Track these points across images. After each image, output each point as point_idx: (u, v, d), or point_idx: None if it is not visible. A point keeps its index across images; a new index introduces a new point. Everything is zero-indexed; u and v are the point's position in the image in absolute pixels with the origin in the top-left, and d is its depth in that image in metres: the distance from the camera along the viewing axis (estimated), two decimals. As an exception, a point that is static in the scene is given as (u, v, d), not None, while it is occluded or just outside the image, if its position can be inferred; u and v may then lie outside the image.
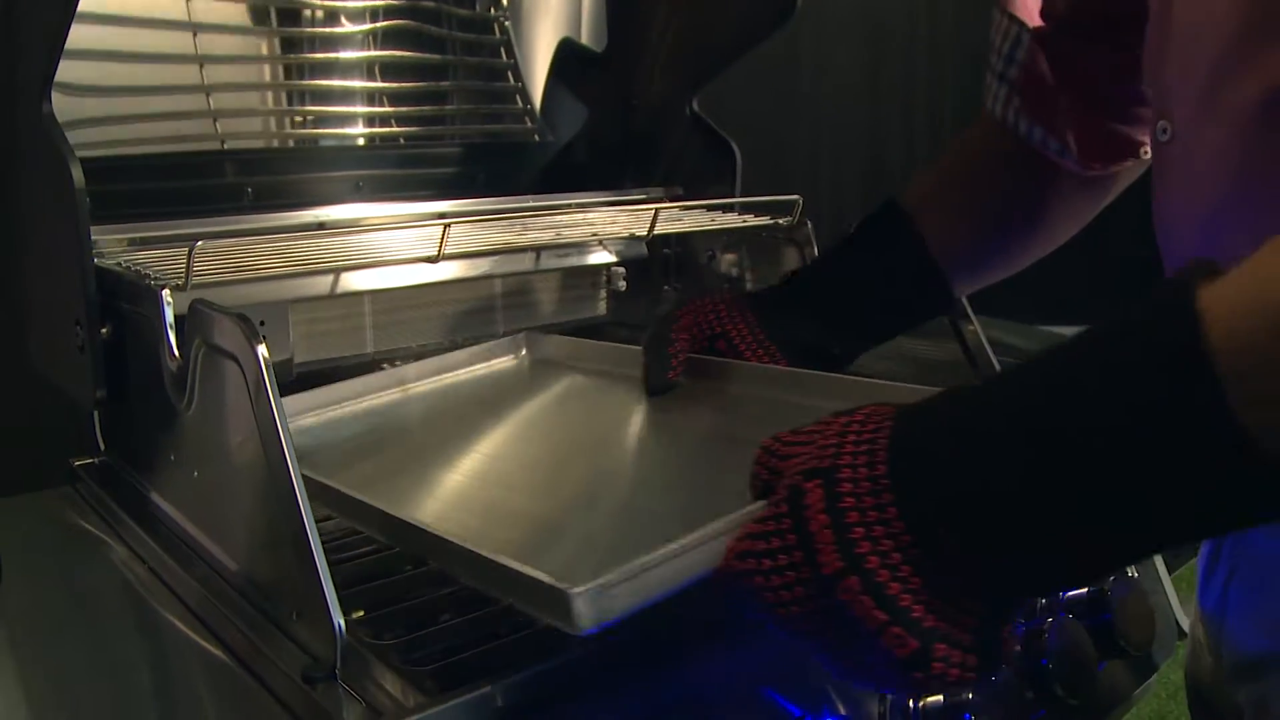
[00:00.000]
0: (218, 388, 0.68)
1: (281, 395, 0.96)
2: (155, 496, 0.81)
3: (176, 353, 0.73)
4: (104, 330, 0.82)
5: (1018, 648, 0.52)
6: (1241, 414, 0.37)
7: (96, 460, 0.92)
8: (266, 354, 0.62)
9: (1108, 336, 0.43)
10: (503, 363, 1.07)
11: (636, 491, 0.74)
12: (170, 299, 0.74)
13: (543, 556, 0.60)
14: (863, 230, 0.87)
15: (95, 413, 0.89)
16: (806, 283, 0.88)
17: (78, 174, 0.79)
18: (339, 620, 0.58)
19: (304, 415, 0.91)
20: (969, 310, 1.06)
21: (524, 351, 1.09)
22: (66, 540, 0.84)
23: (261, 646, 0.62)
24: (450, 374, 1.03)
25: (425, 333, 1.15)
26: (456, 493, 0.74)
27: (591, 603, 0.48)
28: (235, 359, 0.64)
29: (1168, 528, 0.43)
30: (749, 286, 1.38)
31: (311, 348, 1.06)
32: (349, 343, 1.09)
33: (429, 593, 0.68)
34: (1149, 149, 0.79)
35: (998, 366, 1.03)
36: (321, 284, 1.01)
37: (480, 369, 1.05)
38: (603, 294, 1.31)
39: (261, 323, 1.00)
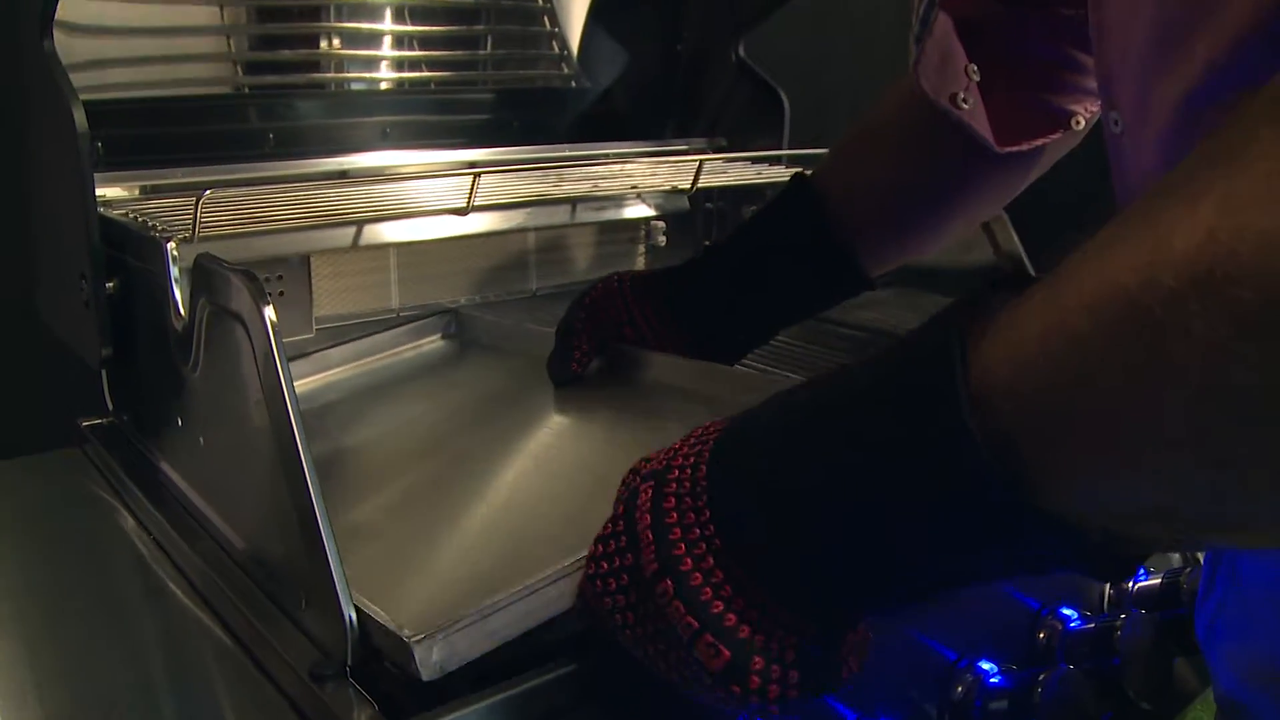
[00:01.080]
0: (223, 350, 0.62)
1: (304, 352, 0.95)
2: (163, 463, 0.76)
3: (182, 310, 0.68)
4: (110, 285, 0.77)
5: (856, 670, 0.48)
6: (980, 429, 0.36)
7: (105, 421, 0.87)
8: (274, 317, 0.56)
9: (897, 352, 0.41)
10: (429, 343, 1.01)
11: (527, 504, 0.68)
12: (176, 252, 0.68)
13: (405, 587, 0.58)
14: (768, 209, 0.81)
15: (103, 371, 0.84)
16: (708, 265, 0.82)
17: (80, 117, 0.73)
18: (350, 612, 0.52)
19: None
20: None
21: (453, 330, 1.03)
22: (68, 507, 0.79)
23: (267, 635, 0.57)
24: (371, 359, 0.96)
25: (454, 288, 1.10)
26: (351, 501, 0.69)
27: (435, 650, 0.48)
28: (241, 320, 0.58)
29: (925, 560, 0.41)
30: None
31: (334, 303, 1.01)
32: (373, 298, 1.04)
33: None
34: (1082, 120, 0.71)
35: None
36: (344, 236, 0.95)
37: (406, 350, 0.99)
38: (641, 249, 1.25)
39: (280, 276, 0.94)
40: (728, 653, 0.43)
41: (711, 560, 0.44)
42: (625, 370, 0.83)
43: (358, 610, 0.52)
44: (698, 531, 0.44)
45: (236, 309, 0.59)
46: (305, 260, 0.95)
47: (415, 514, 0.68)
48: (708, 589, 0.44)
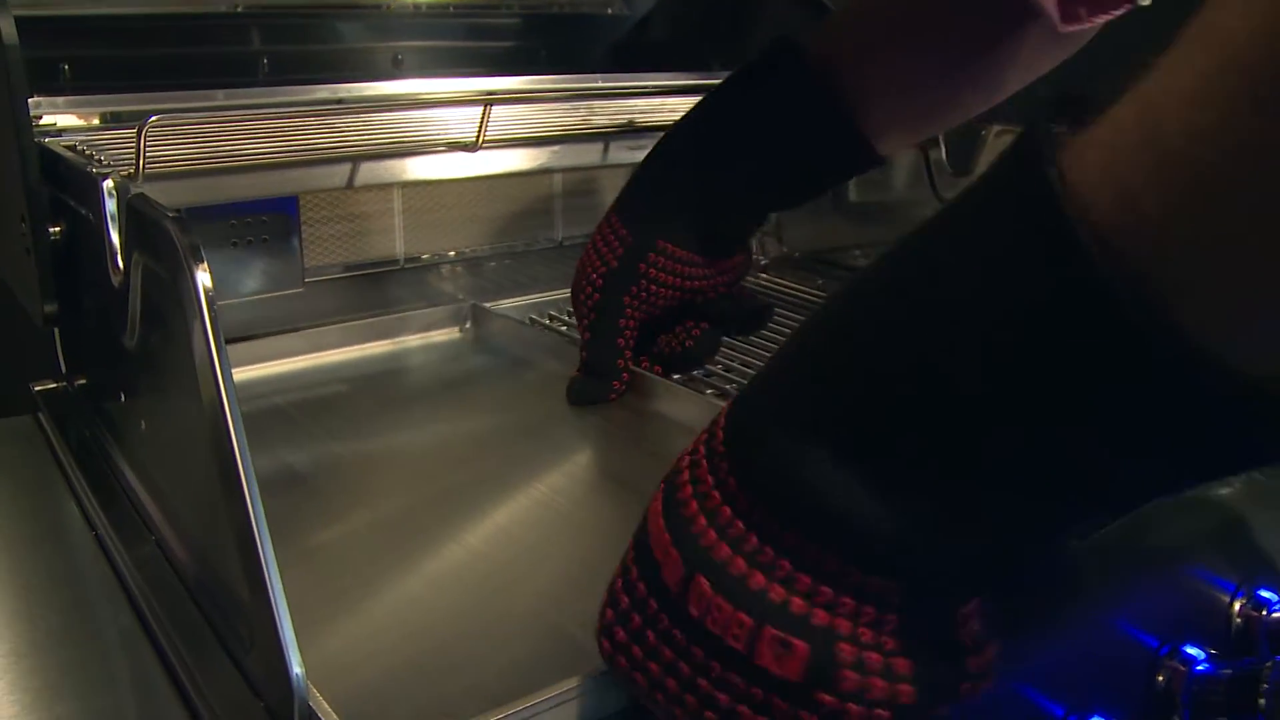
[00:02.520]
0: (158, 319, 0.50)
1: (295, 327, 0.84)
2: (109, 444, 0.65)
3: (121, 264, 0.56)
4: (55, 230, 0.65)
5: (990, 662, 0.34)
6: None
7: (58, 386, 0.76)
8: (208, 282, 0.44)
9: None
10: (441, 337, 0.92)
11: (520, 566, 0.58)
12: (113, 190, 0.56)
13: (363, 652, 0.49)
14: (749, 73, 0.69)
15: (55, 330, 0.73)
16: (688, 147, 0.72)
17: (6, 26, 0.61)
18: (297, 667, 0.40)
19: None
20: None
21: (468, 325, 0.93)
22: (8, 484, 0.68)
23: (200, 681, 0.46)
24: (375, 343, 0.88)
25: (468, 236, 0.97)
26: (311, 526, 0.60)
27: None
28: (173, 282, 0.46)
29: (1049, 471, 0.30)
30: (851, 196, 1.18)
31: (327, 250, 0.88)
32: (374, 246, 0.91)
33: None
34: None
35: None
36: (338, 174, 0.82)
37: (413, 341, 0.90)
38: (680, 195, 1.12)
39: (264, 220, 0.82)
40: (802, 645, 0.32)
41: (755, 539, 0.33)
42: (658, 404, 0.75)
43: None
44: (729, 511, 0.34)
45: (169, 267, 0.47)
46: (293, 202, 0.83)
47: (388, 560, 0.57)
48: (757, 574, 0.33)
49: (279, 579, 0.41)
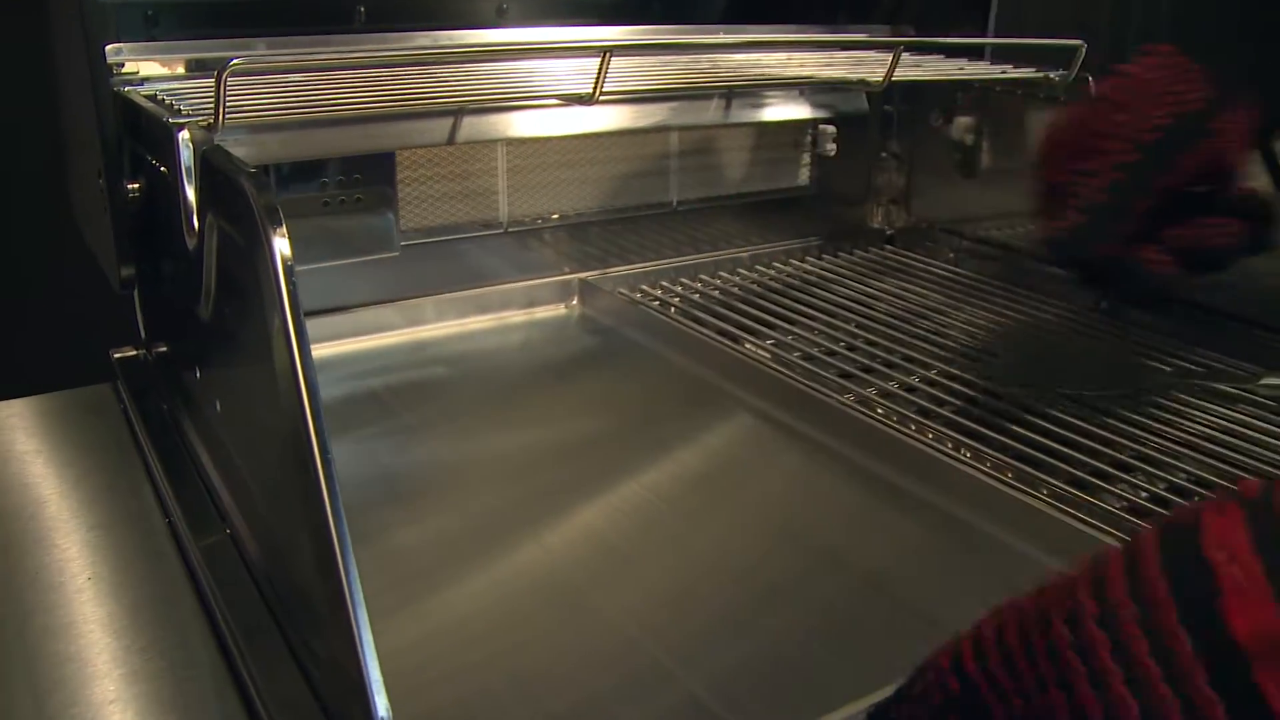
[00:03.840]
0: (233, 287, 0.44)
1: (390, 298, 0.78)
2: (186, 421, 0.59)
3: (196, 225, 0.49)
4: (133, 187, 0.60)
5: None
6: None
7: (138, 353, 0.70)
8: (286, 249, 0.37)
9: None
10: (546, 313, 0.87)
11: (629, 584, 0.53)
12: (189, 141, 0.49)
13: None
14: None
15: (136, 295, 0.67)
16: None
17: (81, -39, 0.55)
18: (383, 708, 0.34)
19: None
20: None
21: (575, 302, 0.88)
22: (80, 460, 0.62)
23: (263, 691, 0.39)
24: (475, 318, 0.83)
25: (576, 199, 0.90)
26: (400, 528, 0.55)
27: None
28: (249, 247, 0.39)
29: None
30: (984, 162, 1.08)
31: (425, 212, 0.82)
32: (475, 208, 0.84)
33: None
34: None
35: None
36: (439, 129, 0.75)
37: (516, 318, 0.85)
38: (806, 159, 1.03)
39: (357, 178, 0.75)
40: None
41: None
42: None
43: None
44: None
45: (244, 230, 0.40)
46: (389, 160, 0.76)
47: (469, 569, 0.53)
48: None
49: (363, 604, 0.34)
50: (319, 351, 0.76)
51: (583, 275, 0.89)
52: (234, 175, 0.40)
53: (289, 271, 0.36)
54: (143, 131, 0.57)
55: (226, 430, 0.50)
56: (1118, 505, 0.59)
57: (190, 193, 0.49)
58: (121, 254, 0.60)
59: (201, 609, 0.48)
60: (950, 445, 0.65)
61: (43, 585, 0.50)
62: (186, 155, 0.49)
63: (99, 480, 0.59)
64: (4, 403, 0.68)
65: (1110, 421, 0.69)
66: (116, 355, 0.70)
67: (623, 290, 0.90)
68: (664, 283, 0.93)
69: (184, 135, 0.49)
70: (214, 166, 0.43)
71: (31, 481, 0.59)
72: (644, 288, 0.92)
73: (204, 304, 0.48)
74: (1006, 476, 0.61)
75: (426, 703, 0.43)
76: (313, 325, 0.76)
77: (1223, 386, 0.74)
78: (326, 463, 0.35)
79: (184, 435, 0.59)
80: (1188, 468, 0.63)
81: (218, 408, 0.50)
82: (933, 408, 0.71)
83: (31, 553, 0.52)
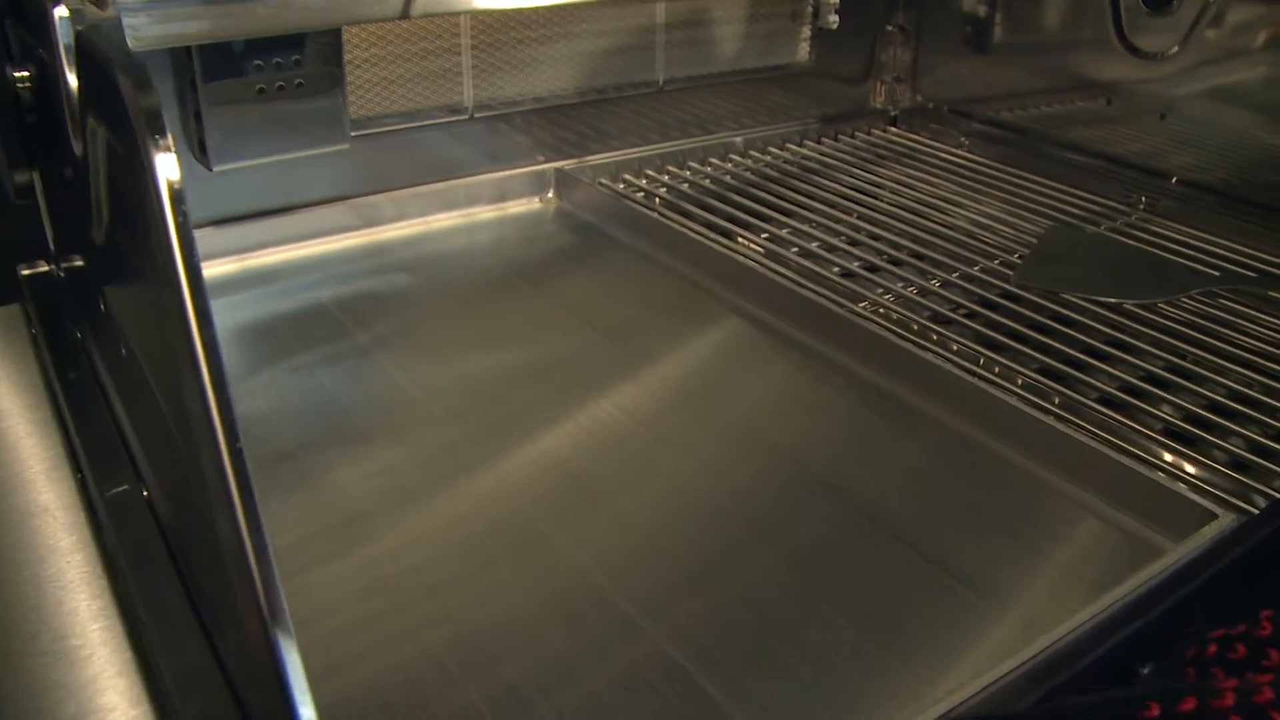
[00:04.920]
0: (122, 207, 0.35)
1: (340, 196, 0.69)
2: (95, 351, 0.51)
3: (83, 126, 0.40)
4: (21, 75, 0.50)
5: None
6: None
7: (49, 269, 0.62)
8: (173, 170, 0.28)
9: None
10: (517, 208, 0.79)
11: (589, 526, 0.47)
12: (69, 20, 0.40)
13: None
14: None
15: (42, 201, 0.58)
16: None
17: None
18: (307, 712, 0.27)
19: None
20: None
21: (550, 194, 0.80)
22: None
23: (175, 699, 0.33)
24: (439, 216, 0.75)
25: (552, 79, 0.80)
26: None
27: None
28: (126, 160, 0.31)
29: None
30: (997, 36, 0.98)
31: (379, 98, 0.72)
32: (435, 92, 0.75)
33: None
34: None
35: None
36: (390, 0, 0.65)
37: (484, 214, 0.77)
38: (804, 32, 0.93)
39: (297, 61, 0.65)
40: None
41: None
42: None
43: None
44: None
45: (122, 138, 0.31)
46: (334, 38, 0.66)
47: (415, 510, 0.47)
48: None
49: (281, 600, 0.27)
50: (260, 259, 0.68)
51: (559, 165, 0.80)
52: (107, 65, 0.31)
53: (176, 198, 0.28)
54: (25, 9, 0.48)
55: (132, 376, 0.42)
56: (1157, 428, 0.52)
57: (73, 85, 0.40)
58: (12, 157, 0.51)
59: (106, 572, 0.41)
60: (964, 357, 0.58)
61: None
62: (65, 37, 0.39)
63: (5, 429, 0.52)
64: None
65: (1148, 331, 0.62)
66: (25, 272, 0.62)
67: (603, 181, 0.81)
68: (649, 171, 0.84)
69: (60, 12, 0.39)
70: (90, 53, 0.35)
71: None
72: (627, 177, 0.83)
73: (96, 226, 0.40)
74: (1026, 394, 0.54)
75: (361, 675, 0.38)
76: (254, 229, 0.68)
77: (1274, 293, 0.66)
78: (234, 443, 0.28)
79: (96, 368, 0.51)
80: (1232, 384, 0.57)
81: (123, 352, 0.42)
82: (945, 313, 0.64)
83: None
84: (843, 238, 0.74)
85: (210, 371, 0.28)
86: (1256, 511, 0.46)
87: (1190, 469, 0.49)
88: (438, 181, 0.74)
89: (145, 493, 0.43)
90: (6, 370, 0.55)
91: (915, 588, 0.43)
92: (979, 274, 0.69)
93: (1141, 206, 0.81)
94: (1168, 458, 0.50)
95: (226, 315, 0.62)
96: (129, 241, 0.35)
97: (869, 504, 0.48)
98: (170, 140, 0.28)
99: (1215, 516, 0.45)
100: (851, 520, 0.47)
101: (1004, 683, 0.36)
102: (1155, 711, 0.28)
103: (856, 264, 0.70)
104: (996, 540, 0.46)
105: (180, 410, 0.32)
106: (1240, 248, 0.74)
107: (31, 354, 0.56)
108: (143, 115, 0.29)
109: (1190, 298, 0.66)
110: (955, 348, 0.59)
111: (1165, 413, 0.54)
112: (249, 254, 0.67)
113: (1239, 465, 0.50)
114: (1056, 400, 0.54)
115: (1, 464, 0.48)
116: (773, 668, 0.39)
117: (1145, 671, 0.39)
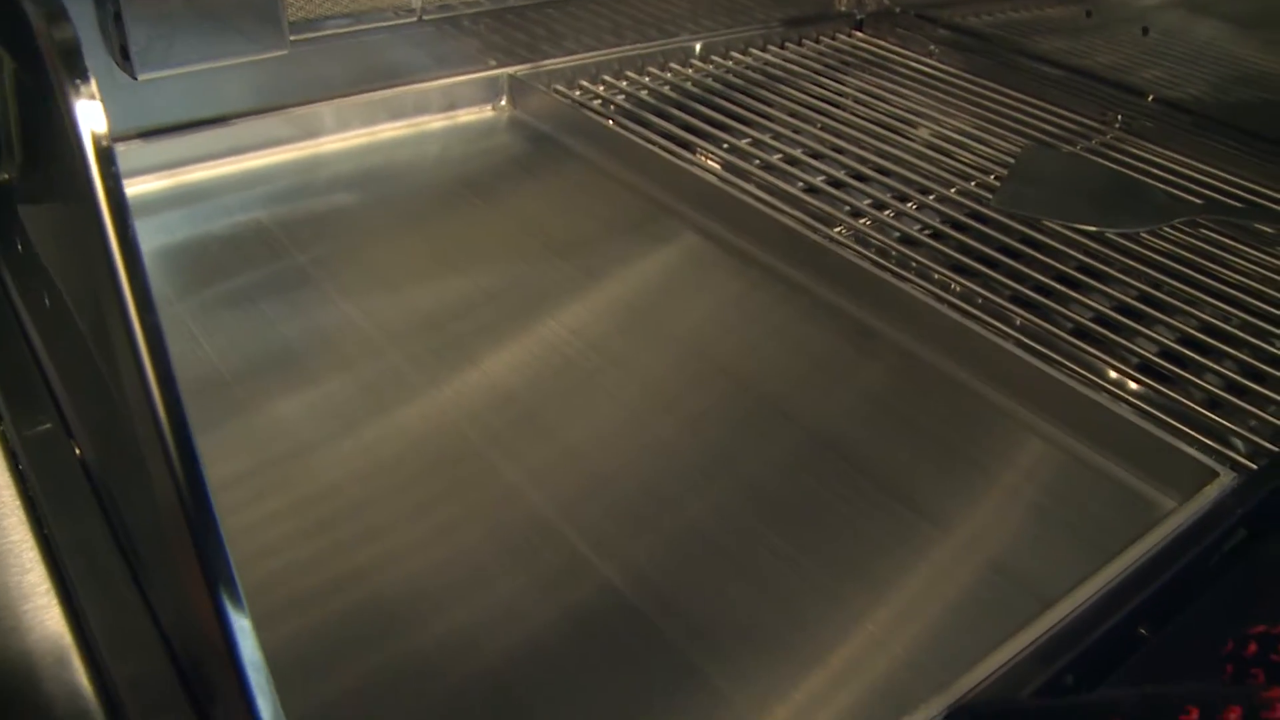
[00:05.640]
0: (34, 145, 0.31)
1: (282, 104, 0.64)
2: (11, 290, 0.46)
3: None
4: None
5: None
6: None
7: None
8: (99, 122, 0.24)
9: None
10: (468, 117, 0.74)
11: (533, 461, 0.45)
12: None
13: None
14: None
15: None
16: None
17: None
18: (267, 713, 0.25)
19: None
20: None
21: (503, 102, 0.75)
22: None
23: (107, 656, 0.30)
24: (384, 126, 0.70)
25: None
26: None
27: None
28: (38, 98, 0.27)
29: None
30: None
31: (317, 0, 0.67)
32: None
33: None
34: None
35: None
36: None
37: (433, 124, 0.72)
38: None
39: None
40: None
41: None
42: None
43: None
44: None
45: (36, 78, 0.27)
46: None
47: (356, 447, 0.44)
48: None
49: (227, 555, 0.24)
50: (190, 175, 0.63)
51: (512, 70, 0.75)
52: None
53: (104, 156, 0.24)
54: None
55: (53, 311, 0.38)
56: (1134, 365, 0.51)
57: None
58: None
59: (27, 516, 0.38)
60: (932, 281, 0.56)
61: None
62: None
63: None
64: None
65: (1125, 260, 0.60)
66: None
67: (559, 87, 0.77)
68: (606, 77, 0.80)
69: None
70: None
71: None
72: (583, 83, 0.78)
73: (7, 160, 0.35)
74: (992, 320, 0.52)
75: (303, 622, 0.36)
76: (183, 142, 0.63)
77: (1263, 227, 0.65)
78: (166, 379, 0.24)
79: (13, 302, 0.46)
80: (1206, 317, 0.55)
81: (47, 302, 0.38)
82: (914, 234, 0.61)
83: None
84: (805, 150, 0.71)
85: (136, 299, 0.25)
86: (1234, 455, 0.45)
87: (1162, 405, 0.48)
88: (383, 89, 0.69)
89: (70, 434, 0.40)
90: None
91: (871, 520, 0.42)
92: (955, 196, 0.66)
93: (1117, 126, 0.78)
94: (1134, 388, 0.49)
95: (154, 237, 0.57)
96: (47, 184, 0.31)
97: (827, 431, 0.47)
98: (94, 86, 0.24)
99: (1185, 452, 0.45)
100: (809, 449, 0.46)
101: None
102: (1194, 715, 0.26)
103: (821, 179, 0.67)
104: (959, 471, 0.45)
105: (105, 343, 0.28)
106: (1220, 174, 0.72)
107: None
108: (57, 53, 0.25)
109: (1173, 227, 0.64)
110: (929, 274, 0.57)
111: (1140, 346, 0.52)
112: (178, 170, 0.62)
113: (1213, 403, 0.49)
114: (1019, 323, 0.53)
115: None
116: (726, 604, 0.38)
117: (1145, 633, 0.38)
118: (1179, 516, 0.41)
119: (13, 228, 0.45)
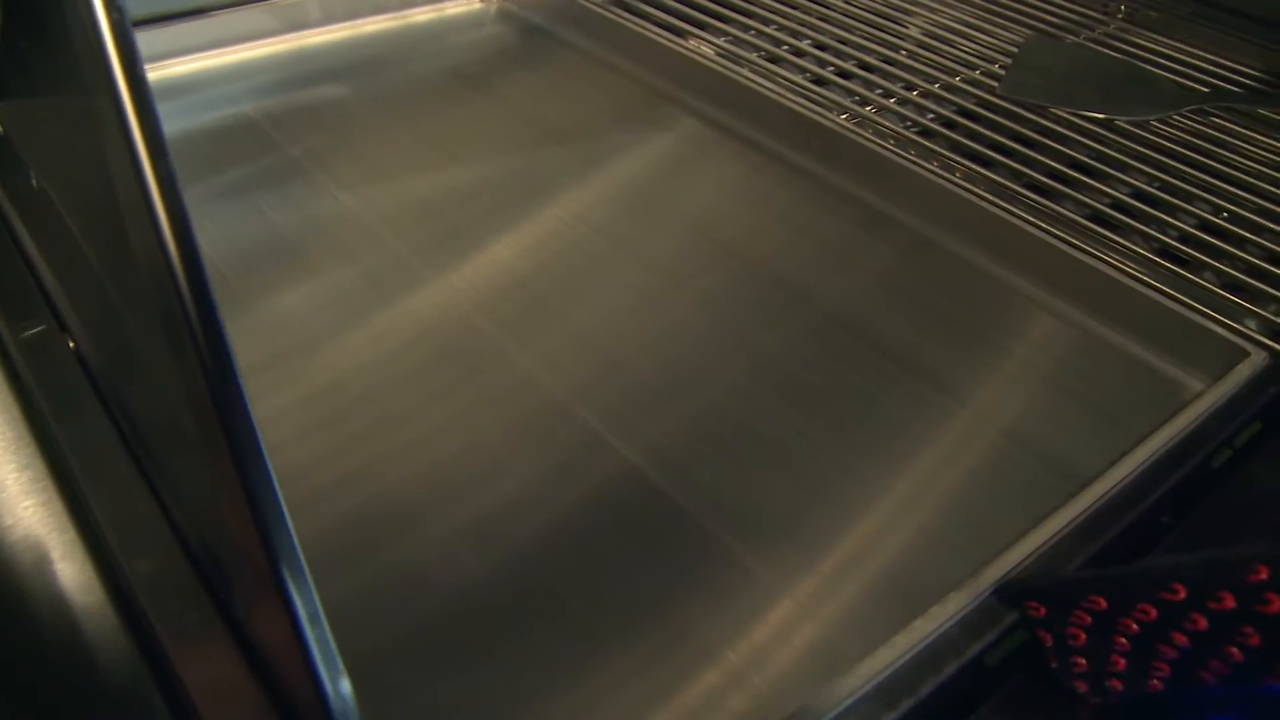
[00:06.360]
0: (27, 12, 0.29)
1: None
2: (11, 210, 0.44)
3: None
4: None
5: None
6: None
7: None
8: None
9: None
10: (457, 9, 0.71)
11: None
12: None
13: None
14: None
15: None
16: None
17: None
18: (332, 686, 0.24)
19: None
20: None
21: None
22: None
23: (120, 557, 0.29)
24: (371, 19, 0.67)
25: None
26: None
27: None
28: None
29: None
30: None
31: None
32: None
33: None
34: None
35: None
36: None
37: (420, 15, 0.70)
38: None
39: None
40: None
41: None
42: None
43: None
44: None
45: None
46: None
47: (362, 336, 0.43)
48: None
49: (294, 543, 0.23)
50: (173, 68, 0.60)
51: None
52: None
53: (121, 35, 0.22)
54: None
55: (45, 208, 0.36)
56: (1148, 248, 0.50)
57: None
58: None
59: (26, 421, 0.36)
60: (941, 165, 0.55)
61: None
62: None
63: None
64: None
65: (1136, 148, 0.59)
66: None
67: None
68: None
69: None
70: None
71: None
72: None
73: (6, 45, 0.33)
74: (1005, 204, 0.51)
75: (323, 517, 0.35)
76: (166, 34, 0.60)
77: (1267, 112, 0.63)
78: (201, 293, 0.23)
79: (10, 219, 0.44)
80: (1222, 202, 0.54)
81: (33, 181, 0.36)
82: (923, 121, 0.60)
83: None
84: (808, 40, 0.69)
85: (168, 209, 0.23)
86: (1259, 336, 0.44)
87: (1181, 287, 0.47)
88: (369, -21, 0.67)
89: (68, 337, 0.38)
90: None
91: (893, 398, 0.42)
92: (960, 84, 0.64)
93: (1120, 16, 0.76)
94: (1153, 270, 0.48)
95: (137, 131, 0.55)
96: (44, 66, 0.29)
97: (841, 311, 0.46)
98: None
99: (1212, 330, 0.44)
100: (824, 328, 0.45)
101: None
102: (1265, 574, 0.26)
103: (829, 69, 0.65)
104: (979, 351, 0.45)
105: (116, 249, 0.27)
106: (1224, 61, 0.70)
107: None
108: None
109: (1182, 115, 0.62)
110: (940, 159, 0.56)
111: (1157, 231, 0.52)
112: (160, 63, 0.60)
113: (1234, 287, 0.48)
114: (1034, 207, 0.52)
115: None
116: (750, 482, 0.38)
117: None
118: (1210, 397, 0.40)
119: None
